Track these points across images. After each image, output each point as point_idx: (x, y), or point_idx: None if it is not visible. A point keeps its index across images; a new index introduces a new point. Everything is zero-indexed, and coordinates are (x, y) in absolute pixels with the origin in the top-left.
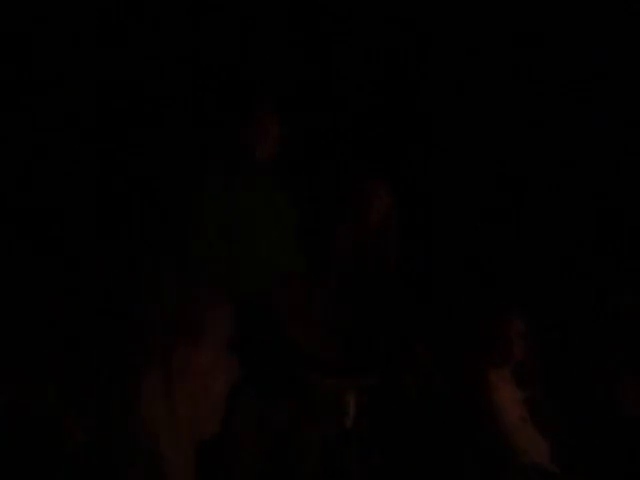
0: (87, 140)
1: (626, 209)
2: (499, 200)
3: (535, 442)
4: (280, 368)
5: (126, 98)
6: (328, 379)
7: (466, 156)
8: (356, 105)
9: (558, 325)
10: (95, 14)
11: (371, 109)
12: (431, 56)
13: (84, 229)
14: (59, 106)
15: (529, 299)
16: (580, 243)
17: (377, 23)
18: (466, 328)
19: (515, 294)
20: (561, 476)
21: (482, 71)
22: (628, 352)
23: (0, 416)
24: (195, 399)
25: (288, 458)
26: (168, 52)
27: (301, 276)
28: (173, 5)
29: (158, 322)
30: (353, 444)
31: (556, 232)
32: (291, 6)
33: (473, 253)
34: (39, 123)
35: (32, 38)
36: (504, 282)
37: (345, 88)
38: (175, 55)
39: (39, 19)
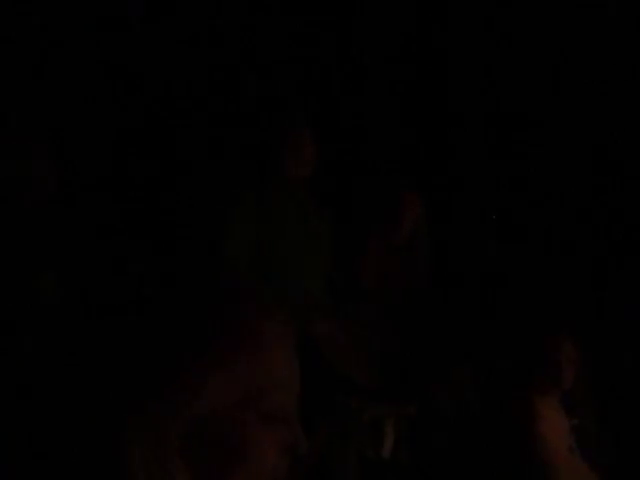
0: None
1: None
2: (547, 219)
3: (583, 474)
4: (318, 393)
5: (169, 119)
6: (366, 405)
7: (513, 171)
8: (386, 117)
9: (609, 350)
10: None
11: (401, 121)
12: (459, 69)
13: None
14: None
15: (579, 323)
16: (634, 268)
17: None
18: (513, 353)
19: (565, 318)
20: None
21: (507, 86)
22: None
23: None
24: None
25: None
26: (202, 71)
27: (334, 299)
28: (203, 29)
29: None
30: (390, 472)
31: (606, 254)
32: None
33: (520, 274)
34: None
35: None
36: (554, 305)
37: (375, 102)
38: (210, 74)
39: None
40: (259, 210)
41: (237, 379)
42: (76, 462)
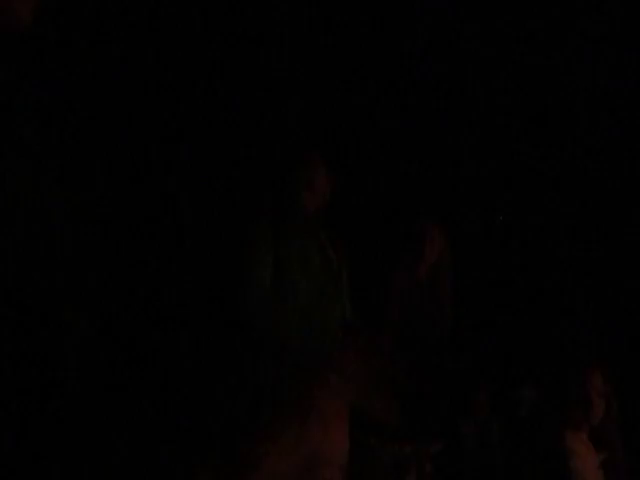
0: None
1: None
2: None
3: None
4: None
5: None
6: (389, 444)
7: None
8: (405, 147)
9: (637, 382)
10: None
11: (420, 151)
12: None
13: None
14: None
15: (610, 357)
16: None
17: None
18: (542, 387)
19: (594, 350)
20: None
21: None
22: None
23: None
24: None
25: None
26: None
27: (354, 332)
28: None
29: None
30: None
31: (634, 286)
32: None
33: (547, 305)
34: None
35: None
36: (583, 337)
37: (393, 134)
38: (227, 107)
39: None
40: (276, 243)
41: (292, 450)
42: None
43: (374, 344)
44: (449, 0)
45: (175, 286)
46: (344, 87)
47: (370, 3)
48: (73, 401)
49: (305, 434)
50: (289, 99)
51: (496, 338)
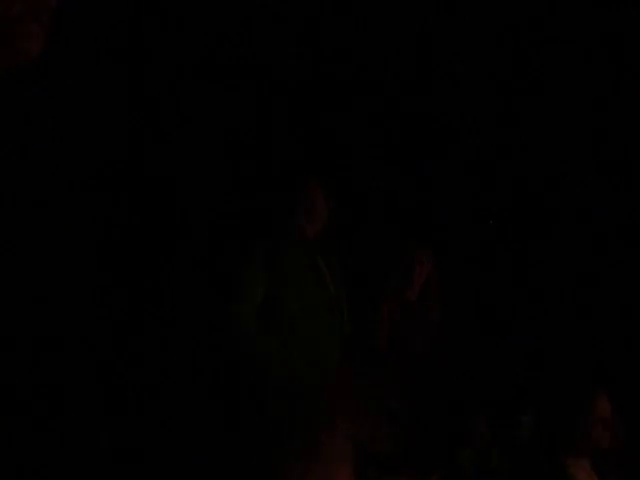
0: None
1: None
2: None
3: None
4: None
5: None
6: (388, 476)
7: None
8: (395, 170)
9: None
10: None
11: (409, 173)
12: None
13: None
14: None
15: (613, 378)
16: None
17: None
18: (541, 412)
19: (597, 374)
20: None
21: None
22: None
23: None
24: None
25: None
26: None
27: (348, 358)
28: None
29: None
30: None
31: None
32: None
33: (544, 327)
34: None
35: None
36: (585, 362)
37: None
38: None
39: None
40: (270, 267)
41: None
42: None
43: (369, 372)
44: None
45: (161, 309)
46: (336, 111)
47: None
48: None
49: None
50: (284, 125)
51: (493, 362)
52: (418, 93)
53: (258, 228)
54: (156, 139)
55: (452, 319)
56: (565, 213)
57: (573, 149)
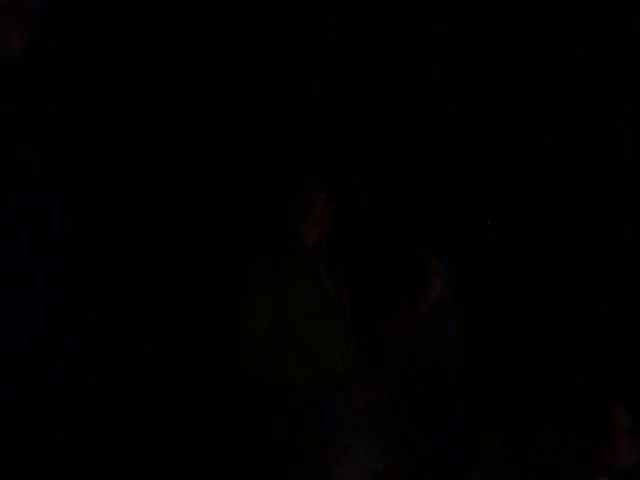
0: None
1: None
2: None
3: None
4: None
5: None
6: None
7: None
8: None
9: None
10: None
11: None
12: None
13: None
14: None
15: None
16: None
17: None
18: (561, 426)
19: (612, 384)
20: None
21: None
22: None
23: None
24: None
25: None
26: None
27: (357, 375)
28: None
29: None
30: None
31: None
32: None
33: (560, 340)
34: None
35: None
36: (600, 374)
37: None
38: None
39: None
40: (274, 277)
41: None
42: None
43: (378, 386)
44: None
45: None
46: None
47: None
48: None
49: None
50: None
51: (510, 378)
52: (422, 92)
53: (256, 235)
54: (151, 140)
55: (468, 333)
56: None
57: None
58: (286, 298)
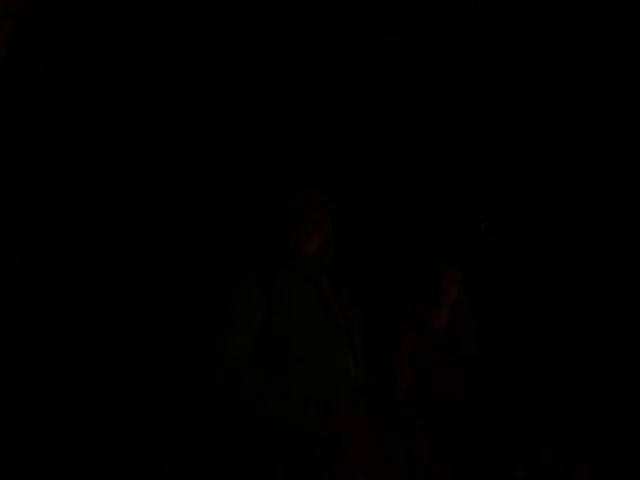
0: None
1: None
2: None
3: None
4: None
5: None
6: None
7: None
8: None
9: None
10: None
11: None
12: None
13: None
14: None
15: None
16: None
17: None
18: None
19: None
20: None
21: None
22: None
23: None
24: None
25: None
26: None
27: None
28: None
29: None
30: None
31: None
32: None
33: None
34: None
35: None
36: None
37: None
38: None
39: None
40: (264, 290)
41: None
42: None
43: (386, 414)
44: None
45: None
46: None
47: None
48: None
49: None
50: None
51: (537, 401)
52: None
53: (247, 243)
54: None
55: (487, 351)
56: None
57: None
58: (279, 318)
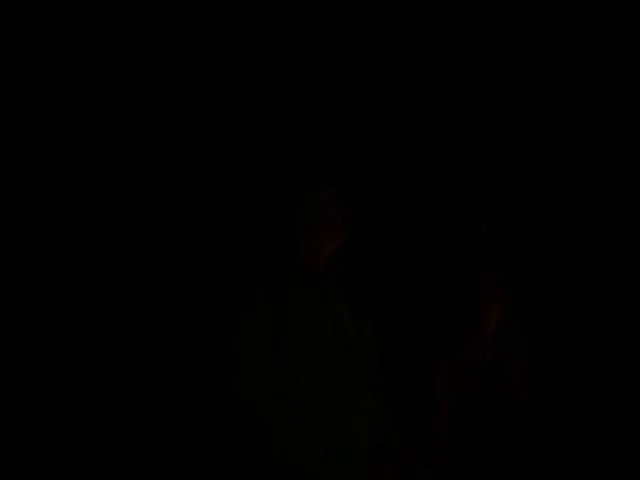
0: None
1: None
2: None
3: None
4: None
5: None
6: None
7: None
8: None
9: None
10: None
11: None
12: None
13: None
14: None
15: None
16: None
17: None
18: None
19: None
20: None
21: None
22: None
23: None
24: None
25: None
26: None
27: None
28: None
29: None
30: None
31: None
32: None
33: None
34: None
35: None
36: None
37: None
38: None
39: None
40: (272, 312)
41: None
42: None
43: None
44: None
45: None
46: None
47: None
48: None
49: None
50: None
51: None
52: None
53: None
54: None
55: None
56: None
57: None
58: (286, 342)
